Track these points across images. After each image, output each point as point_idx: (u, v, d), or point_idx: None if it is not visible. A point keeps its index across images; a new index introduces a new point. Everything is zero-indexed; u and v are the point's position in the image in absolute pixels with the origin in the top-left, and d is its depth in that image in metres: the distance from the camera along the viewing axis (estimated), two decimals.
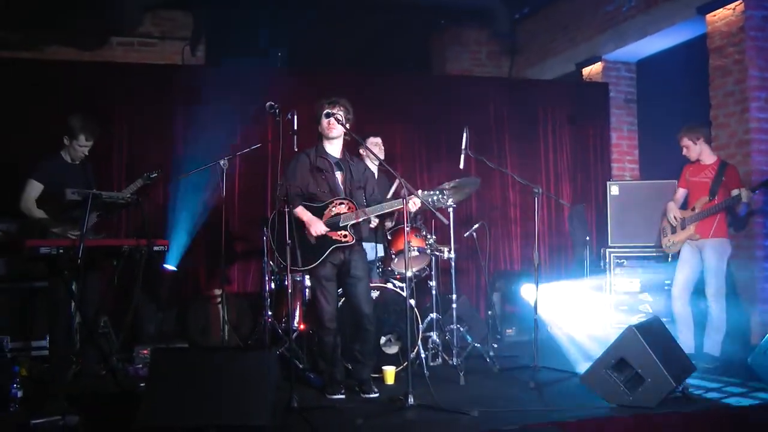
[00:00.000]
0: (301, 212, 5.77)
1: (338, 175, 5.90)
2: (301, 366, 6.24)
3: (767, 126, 7.81)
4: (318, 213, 5.79)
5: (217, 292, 7.74)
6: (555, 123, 10.04)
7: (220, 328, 6.91)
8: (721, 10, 8.25)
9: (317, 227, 5.73)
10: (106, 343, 6.69)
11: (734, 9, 8.09)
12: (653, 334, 5.64)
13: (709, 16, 8.42)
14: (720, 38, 8.31)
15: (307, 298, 6.95)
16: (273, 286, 7.29)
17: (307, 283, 6.89)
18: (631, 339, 5.45)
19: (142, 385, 5.49)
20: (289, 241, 5.39)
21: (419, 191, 5.74)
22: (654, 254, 8.20)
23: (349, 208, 5.79)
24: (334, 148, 5.93)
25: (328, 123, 5.80)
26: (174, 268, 7.78)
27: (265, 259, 7.32)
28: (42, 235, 6.12)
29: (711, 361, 6.92)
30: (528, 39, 11.93)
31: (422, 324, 6.76)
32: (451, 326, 6.92)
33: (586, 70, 10.65)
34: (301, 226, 5.75)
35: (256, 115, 7.29)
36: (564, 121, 10.02)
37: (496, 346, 7.66)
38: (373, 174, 6.37)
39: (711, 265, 6.99)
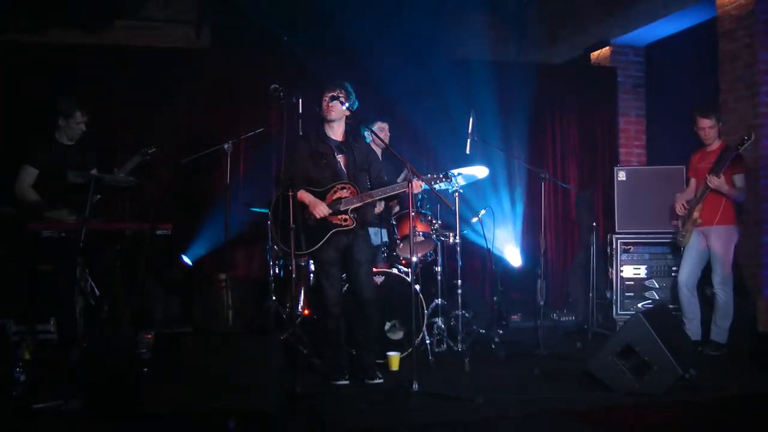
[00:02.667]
0: (304, 195, 5.76)
1: (340, 158, 5.87)
2: (305, 351, 6.24)
3: None
4: (320, 197, 5.78)
5: (222, 276, 7.73)
6: (563, 108, 9.99)
7: (225, 313, 6.91)
8: None
9: (320, 209, 5.70)
10: (111, 328, 6.69)
11: None
12: (660, 321, 5.61)
13: (719, 0, 8.33)
14: (730, 22, 8.23)
15: (311, 282, 6.93)
16: (277, 270, 7.27)
17: (312, 267, 6.88)
18: (637, 326, 5.43)
19: (146, 369, 5.49)
20: (293, 226, 5.37)
21: (427, 176, 5.73)
22: (661, 241, 8.15)
23: (351, 192, 5.76)
24: (334, 131, 5.91)
25: (328, 105, 5.77)
26: (190, 263, 7.79)
27: (269, 243, 7.31)
28: (36, 220, 6.10)
29: (717, 348, 6.91)
30: (535, 23, 11.84)
31: (427, 310, 6.74)
32: (457, 312, 6.89)
33: (594, 55, 10.57)
34: (302, 210, 5.72)
35: (261, 98, 7.24)
36: (572, 105, 9.96)
37: (501, 332, 7.64)
38: (377, 157, 6.33)
39: (717, 253, 6.97)
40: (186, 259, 7.87)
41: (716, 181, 6.78)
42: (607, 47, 10.32)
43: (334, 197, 5.77)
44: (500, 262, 8.90)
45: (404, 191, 5.66)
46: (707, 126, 7.08)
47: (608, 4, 10.14)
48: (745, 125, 7.98)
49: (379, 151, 7.10)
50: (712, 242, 7.00)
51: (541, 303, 6.74)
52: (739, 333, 7.13)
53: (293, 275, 5.68)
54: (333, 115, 5.81)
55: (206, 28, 10.89)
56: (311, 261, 6.78)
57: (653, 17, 9.37)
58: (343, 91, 5.80)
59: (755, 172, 7.76)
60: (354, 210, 5.77)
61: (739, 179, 6.96)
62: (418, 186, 5.63)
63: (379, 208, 6.86)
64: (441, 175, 5.78)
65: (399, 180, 7.08)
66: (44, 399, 4.83)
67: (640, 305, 8.16)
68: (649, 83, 10.47)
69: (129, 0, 10.24)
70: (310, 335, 6.54)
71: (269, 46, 9.52)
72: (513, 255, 8.99)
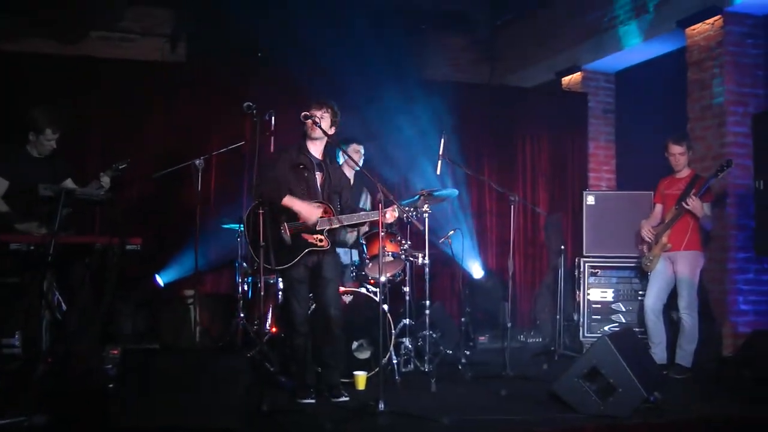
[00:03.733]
0: (291, 201, 5.74)
1: (318, 175, 5.90)
2: (272, 369, 6.23)
3: (743, 140, 7.84)
4: (296, 213, 5.78)
5: (189, 292, 7.69)
6: (534, 131, 10.09)
7: (192, 330, 6.88)
8: (700, 24, 8.32)
9: (314, 213, 5.71)
10: (77, 343, 6.63)
11: (713, 24, 8.17)
12: (626, 344, 5.68)
13: (689, 30, 8.49)
14: (699, 52, 8.39)
15: (279, 300, 6.93)
16: (246, 287, 7.26)
17: (281, 285, 6.87)
18: (603, 349, 5.48)
19: (111, 385, 5.45)
20: (263, 243, 5.38)
21: (395, 206, 5.78)
22: (628, 265, 8.24)
23: (325, 212, 5.78)
24: (316, 148, 5.93)
25: (311, 123, 5.79)
26: (162, 284, 7.76)
27: (239, 259, 7.30)
28: (5, 231, 6.05)
29: (682, 371, 6.98)
30: (508, 46, 11.97)
31: (395, 330, 6.74)
32: (424, 332, 6.90)
33: (565, 80, 10.71)
34: (276, 226, 5.72)
35: (235, 114, 7.24)
36: (542, 129, 10.06)
37: (468, 353, 7.68)
38: (349, 182, 6.38)
39: (684, 277, 7.06)
40: (159, 280, 7.84)
41: (693, 203, 6.88)
42: (579, 73, 10.47)
43: None
44: (469, 283, 8.97)
45: (375, 219, 5.69)
46: (678, 152, 7.20)
47: (580, 30, 10.28)
48: (713, 154, 8.13)
49: (351, 173, 7.16)
50: (678, 267, 7.10)
51: (509, 324, 6.78)
52: (704, 357, 7.23)
53: (261, 292, 5.67)
54: (316, 132, 5.82)
55: (182, 41, 10.91)
56: (280, 278, 6.79)
57: (623, 45, 9.54)
58: (328, 111, 5.84)
59: (723, 199, 7.91)
60: (327, 230, 5.79)
61: (707, 207, 7.09)
62: (392, 216, 5.69)
63: (351, 238, 6.93)
64: (412, 209, 5.85)
65: (367, 201, 7.12)
66: (7, 415, 4.78)
67: (606, 328, 8.23)
68: (619, 109, 10.64)
69: (105, 11, 10.21)
70: (278, 353, 6.54)
71: (244, 61, 9.53)
72: (478, 272, 9.08)
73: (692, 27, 8.44)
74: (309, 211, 5.72)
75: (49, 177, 6.34)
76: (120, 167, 6.63)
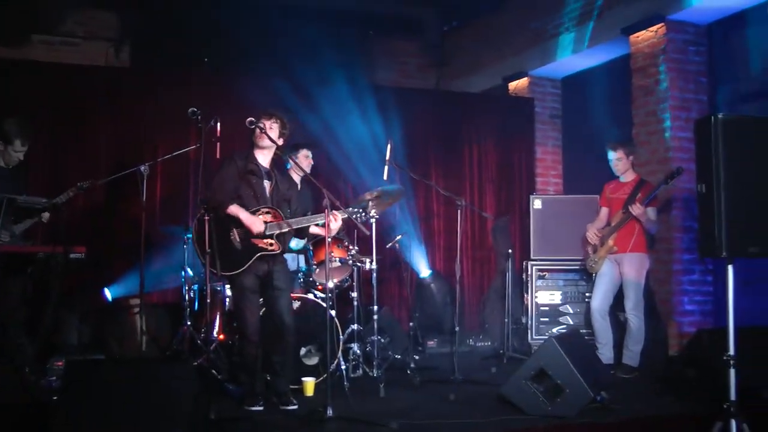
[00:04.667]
0: (237, 210, 5.71)
1: (266, 183, 5.88)
2: (219, 377, 6.19)
3: (687, 145, 7.99)
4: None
5: (135, 301, 7.60)
6: (481, 136, 10.15)
7: (138, 339, 6.81)
8: (644, 32, 8.47)
9: (258, 225, 5.68)
10: (19, 354, 6.52)
11: (656, 31, 8.33)
12: (573, 345, 5.76)
13: (633, 37, 8.63)
14: (643, 59, 8.54)
15: (227, 307, 6.90)
16: (192, 295, 7.21)
17: (228, 292, 6.84)
18: (550, 350, 5.55)
19: (55, 398, 5.37)
20: (209, 250, 5.35)
21: (345, 209, 5.78)
22: (575, 267, 8.35)
23: (274, 217, 5.77)
24: (264, 157, 5.91)
25: (260, 132, 5.78)
26: (110, 299, 7.66)
27: (186, 267, 7.25)
28: None
29: (629, 371, 7.10)
30: (456, 52, 12.04)
31: (343, 335, 6.76)
32: (372, 337, 6.94)
33: (512, 85, 10.81)
34: (226, 232, 5.69)
35: (180, 120, 7.19)
36: (490, 134, 10.14)
37: (417, 357, 7.71)
38: (298, 190, 6.38)
39: (630, 279, 7.17)
40: (107, 293, 7.73)
41: (639, 210, 7.00)
42: (526, 78, 10.58)
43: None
44: (417, 287, 9.01)
45: (322, 221, 5.70)
46: (614, 158, 7.34)
47: (527, 37, 10.38)
48: (657, 158, 8.27)
49: (298, 179, 7.15)
50: (624, 269, 7.21)
51: (457, 328, 6.82)
52: (650, 357, 7.36)
53: (208, 300, 5.64)
54: (264, 141, 5.81)
55: (126, 46, 10.78)
56: (226, 285, 6.75)
57: (570, 51, 9.67)
58: (277, 122, 5.84)
59: (669, 203, 8.05)
60: (277, 236, 5.77)
61: (652, 212, 7.23)
62: (336, 220, 5.68)
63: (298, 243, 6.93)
64: (358, 209, 5.84)
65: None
66: None
67: (554, 330, 8.34)
68: (566, 114, 10.76)
69: (48, 15, 10.06)
70: (225, 360, 6.50)
71: (190, 67, 9.47)
72: (425, 275, 9.14)
73: (636, 34, 8.58)
74: (253, 221, 5.70)
75: (11, 187, 6.24)
76: (84, 186, 6.54)
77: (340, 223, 5.74)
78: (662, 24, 8.25)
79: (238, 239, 5.71)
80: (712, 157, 5.19)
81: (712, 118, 5.22)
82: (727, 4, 7.78)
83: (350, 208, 5.84)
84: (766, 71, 7.14)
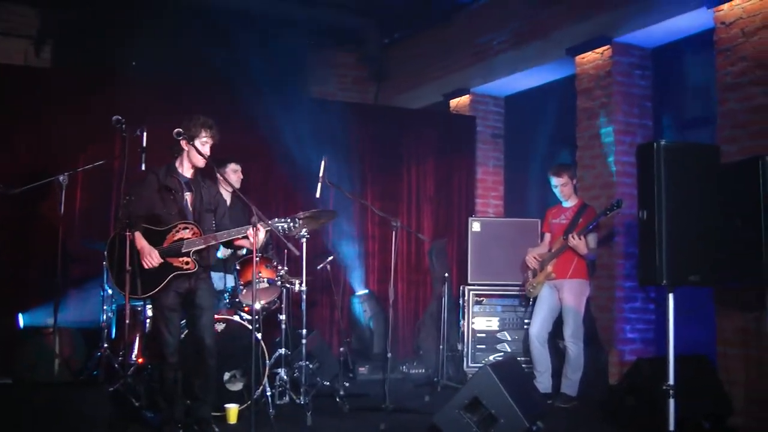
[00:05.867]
0: (138, 239, 5.64)
1: (187, 196, 5.82)
2: (137, 404, 6.09)
3: (631, 170, 8.03)
4: (160, 237, 5.68)
5: (49, 321, 7.43)
6: (420, 154, 10.20)
7: (51, 362, 6.66)
8: (589, 53, 8.62)
9: (150, 258, 5.60)
10: None
11: (602, 53, 8.48)
12: (509, 373, 5.82)
13: (578, 58, 8.78)
14: (588, 81, 8.68)
15: (147, 329, 6.80)
16: (111, 315, 7.10)
17: (149, 312, 6.75)
18: (485, 379, 5.60)
19: None
20: (129, 267, 5.28)
21: (273, 220, 5.75)
22: (514, 293, 8.44)
23: (193, 233, 5.71)
24: (187, 167, 5.85)
25: (185, 141, 5.71)
26: (22, 325, 7.49)
27: (105, 285, 7.14)
28: None
29: (568, 401, 7.19)
30: (397, 65, 12.11)
31: (269, 360, 6.73)
32: (300, 363, 6.90)
33: (453, 102, 10.89)
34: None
35: (104, 128, 7.08)
36: (429, 152, 10.20)
37: (347, 384, 7.71)
38: (225, 199, 6.32)
39: (569, 306, 7.27)
40: (20, 320, 7.56)
41: (575, 242, 7.11)
42: (467, 95, 10.67)
43: (176, 237, 5.69)
44: (349, 310, 9.01)
45: (250, 236, 5.65)
46: (560, 184, 7.45)
47: (470, 53, 10.48)
48: (601, 183, 8.41)
49: (228, 195, 7.10)
50: (564, 295, 7.32)
51: (389, 354, 6.82)
52: (591, 385, 7.46)
53: (127, 320, 5.56)
54: (193, 155, 5.76)
55: (48, 45, 10.59)
56: (147, 305, 6.66)
57: (513, 69, 9.78)
58: (207, 132, 5.77)
59: (610, 229, 8.19)
60: (196, 252, 5.71)
61: (592, 239, 7.35)
62: (259, 231, 5.64)
63: (224, 254, 6.85)
64: (286, 219, 5.82)
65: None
66: None
67: (491, 358, 8.41)
68: (508, 134, 10.88)
69: None
70: (144, 385, 6.40)
71: (116, 71, 9.33)
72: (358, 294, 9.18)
73: (582, 55, 8.73)
74: (146, 255, 5.60)
75: None
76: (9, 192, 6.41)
77: (263, 235, 5.70)
78: (608, 46, 8.41)
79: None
80: (654, 184, 5.33)
81: (655, 144, 5.37)
82: (673, 29, 7.95)
83: (277, 219, 5.79)
84: (710, 98, 7.32)
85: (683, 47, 8.28)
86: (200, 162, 5.79)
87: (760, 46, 6.68)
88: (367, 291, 9.34)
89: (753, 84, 6.70)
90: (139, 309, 6.86)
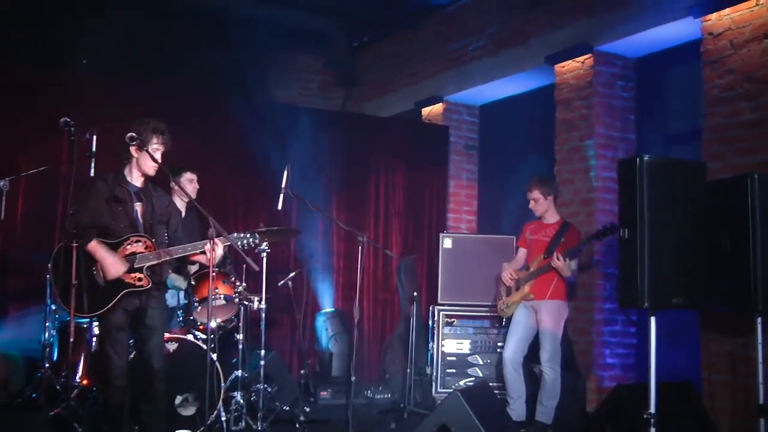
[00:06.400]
0: (96, 248, 5.53)
1: (138, 206, 5.73)
2: (80, 429, 6.00)
3: (612, 185, 8.10)
4: (111, 250, 5.58)
5: None
6: (389, 166, 10.20)
7: None
8: (570, 62, 8.66)
9: (116, 268, 5.51)
10: None
11: (583, 63, 8.52)
12: (480, 399, 5.80)
13: (558, 67, 8.81)
14: (568, 91, 8.72)
15: (93, 348, 6.70)
16: (54, 333, 7.00)
17: (95, 331, 6.65)
18: (455, 405, 5.58)
19: None
20: (75, 282, 5.19)
21: (233, 235, 5.70)
22: (486, 314, 8.43)
23: (146, 247, 5.62)
24: (137, 175, 5.77)
25: (141, 150, 5.63)
26: None
27: (48, 300, 7.03)
28: None
29: (542, 429, 7.17)
30: (366, 71, 12.11)
31: (225, 382, 6.66)
32: (258, 386, 6.88)
33: (425, 110, 10.90)
34: (89, 264, 5.53)
35: (48, 129, 7.00)
36: (399, 164, 10.19)
37: (308, 409, 7.63)
38: (179, 210, 6.24)
39: (546, 328, 7.25)
40: None
41: (561, 263, 7.11)
42: (440, 104, 10.69)
43: (128, 251, 5.61)
44: (311, 330, 8.96)
45: (206, 251, 5.59)
46: (531, 198, 7.45)
47: (443, 59, 10.51)
48: (580, 199, 8.44)
49: (183, 205, 7.04)
50: (542, 317, 7.29)
51: (353, 378, 6.77)
52: (567, 413, 7.44)
53: (71, 339, 5.46)
54: (146, 162, 5.65)
55: None
56: (94, 323, 6.56)
57: (489, 77, 9.81)
58: (159, 137, 5.70)
59: (589, 248, 8.18)
60: (149, 268, 5.63)
61: (573, 260, 7.33)
62: (218, 246, 5.57)
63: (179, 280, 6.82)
64: (247, 235, 5.77)
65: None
66: None
67: (462, 383, 8.39)
68: (483, 146, 10.91)
69: None
70: (88, 410, 6.30)
71: (64, 71, 9.21)
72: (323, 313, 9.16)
73: (561, 64, 8.77)
74: (109, 265, 5.53)
75: None
76: None
77: (221, 251, 5.64)
78: (590, 55, 8.45)
79: (101, 274, 5.54)
80: (636, 201, 5.35)
81: (637, 159, 5.38)
82: (658, 38, 8.00)
83: (236, 234, 5.74)
84: (696, 112, 7.36)
85: (668, 58, 8.33)
86: (151, 170, 5.70)
87: (749, 58, 6.74)
88: (332, 310, 9.29)
89: (741, 98, 6.76)
90: (85, 327, 6.76)
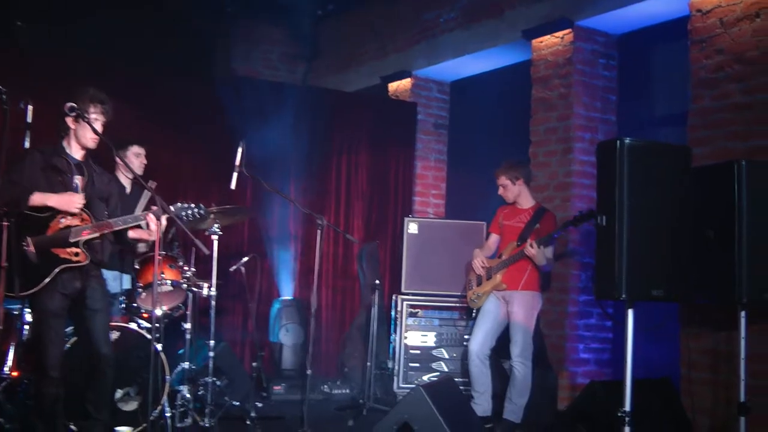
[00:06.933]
0: (40, 197, 5.43)
1: (77, 179, 5.66)
2: (7, 426, 5.90)
3: (590, 170, 8.11)
4: (43, 224, 5.49)
5: None
6: (352, 144, 10.16)
7: None
8: (548, 37, 8.63)
9: (72, 200, 5.45)
10: None
11: (563, 38, 8.50)
12: (444, 396, 5.81)
13: (536, 42, 8.79)
14: (545, 68, 8.70)
15: (25, 336, 6.59)
16: None
17: (28, 318, 6.54)
18: (417, 401, 5.59)
19: None
20: (5, 264, 5.10)
21: (176, 205, 5.65)
22: (453, 305, 8.42)
23: (83, 220, 5.55)
24: (77, 147, 5.69)
25: (81, 121, 5.55)
26: None
27: None
28: None
29: (510, 428, 7.17)
30: (330, 42, 12.07)
31: (170, 375, 6.58)
32: (206, 379, 6.83)
33: (392, 86, 10.88)
34: (18, 240, 5.41)
35: None
36: (363, 143, 10.14)
37: (260, 405, 7.59)
38: (122, 187, 6.17)
39: (518, 321, 7.23)
40: None
41: (534, 251, 7.08)
42: (408, 79, 10.66)
43: (61, 225, 5.52)
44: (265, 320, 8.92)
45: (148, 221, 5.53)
46: (500, 185, 7.44)
47: (413, 31, 10.47)
48: (556, 183, 8.44)
49: (128, 182, 6.97)
50: (514, 308, 7.27)
51: (309, 371, 6.73)
52: (536, 411, 7.43)
53: (0, 326, 5.36)
54: (85, 133, 5.59)
55: None
56: (26, 310, 6.44)
57: (461, 51, 9.79)
58: (98, 107, 5.62)
59: (565, 236, 8.18)
60: (87, 244, 5.54)
61: (549, 248, 7.31)
62: (157, 226, 5.51)
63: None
64: (191, 205, 5.71)
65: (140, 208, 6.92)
66: None
67: (425, 378, 8.40)
68: (454, 125, 10.90)
69: None
70: (17, 404, 6.20)
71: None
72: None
73: (539, 39, 8.74)
74: (66, 200, 5.47)
75: None
76: None
77: (164, 221, 5.57)
78: (569, 30, 8.43)
79: (32, 249, 5.43)
80: (615, 186, 5.33)
81: (618, 142, 5.36)
82: (643, 14, 7.99)
83: (179, 205, 5.68)
84: (682, 94, 7.36)
85: (654, 35, 8.34)
86: (90, 142, 5.63)
87: (739, 38, 6.74)
88: (288, 298, 9.25)
89: (730, 80, 6.77)
90: (16, 313, 6.63)
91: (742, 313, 5.75)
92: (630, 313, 5.45)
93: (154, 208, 5.38)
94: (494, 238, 7.66)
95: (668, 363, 7.03)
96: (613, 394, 5.74)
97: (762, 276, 5.59)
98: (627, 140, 5.37)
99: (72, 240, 5.50)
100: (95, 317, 5.64)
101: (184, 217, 5.65)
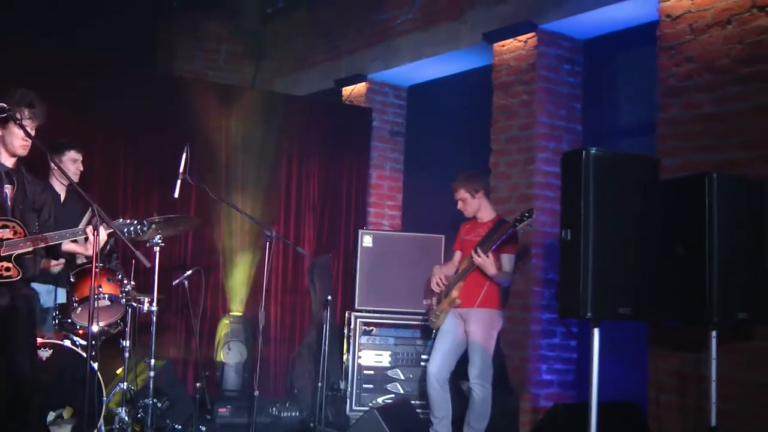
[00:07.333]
0: None
1: (7, 188, 5.56)
2: None
3: (554, 181, 8.11)
4: None
5: None
6: (303, 152, 10.15)
7: None
8: (510, 41, 8.65)
9: None
10: None
11: (526, 42, 8.52)
12: (400, 419, 5.85)
13: (497, 46, 8.80)
14: (507, 73, 8.71)
15: None
16: None
17: None
18: (371, 424, 5.63)
19: None
20: None
21: (117, 221, 5.58)
22: (410, 323, 8.43)
23: (15, 233, 5.47)
24: (7, 155, 5.60)
25: (13, 124, 5.47)
26: None
27: None
28: None
29: None
30: (280, 42, 12.05)
31: (107, 396, 6.56)
32: (147, 401, 6.80)
33: (346, 90, 10.87)
34: None
35: None
36: (314, 150, 10.12)
37: (204, 429, 7.58)
38: (56, 196, 6.11)
39: (476, 340, 7.26)
40: None
41: (481, 260, 7.09)
42: (363, 83, 10.66)
43: None
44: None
45: (85, 237, 5.48)
46: (459, 199, 7.48)
47: (368, 32, 10.48)
48: (518, 195, 8.44)
49: (63, 189, 6.90)
50: (471, 327, 7.30)
51: (257, 393, 6.72)
52: None
53: None
54: (15, 138, 5.50)
55: None
56: None
57: (419, 54, 9.80)
58: (31, 108, 5.52)
59: (528, 250, 8.24)
60: (18, 258, 5.47)
61: (507, 260, 7.34)
62: (103, 234, 5.46)
63: (56, 266, 6.63)
64: (135, 222, 5.67)
65: (83, 222, 6.86)
66: None
67: (380, 400, 8.40)
68: (411, 132, 10.92)
69: None
70: None
71: None
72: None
73: (501, 43, 8.76)
74: None
75: None
76: None
77: (104, 235, 5.51)
78: (533, 33, 8.45)
79: None
80: (580, 199, 5.35)
81: (583, 152, 5.39)
82: (611, 18, 8.03)
83: (121, 221, 5.63)
84: (651, 103, 7.41)
85: (621, 41, 8.38)
86: (20, 149, 5.53)
87: (709, 45, 6.79)
88: (233, 314, 9.21)
89: (700, 89, 6.81)
90: None
91: (713, 333, 5.80)
92: (596, 332, 5.47)
93: (95, 219, 5.31)
94: (458, 255, 7.69)
95: (635, 386, 7.07)
96: (577, 418, 5.77)
97: (734, 295, 5.62)
98: (593, 150, 5.40)
99: (4, 254, 5.43)
100: (21, 339, 5.51)
101: (126, 234, 5.60)
